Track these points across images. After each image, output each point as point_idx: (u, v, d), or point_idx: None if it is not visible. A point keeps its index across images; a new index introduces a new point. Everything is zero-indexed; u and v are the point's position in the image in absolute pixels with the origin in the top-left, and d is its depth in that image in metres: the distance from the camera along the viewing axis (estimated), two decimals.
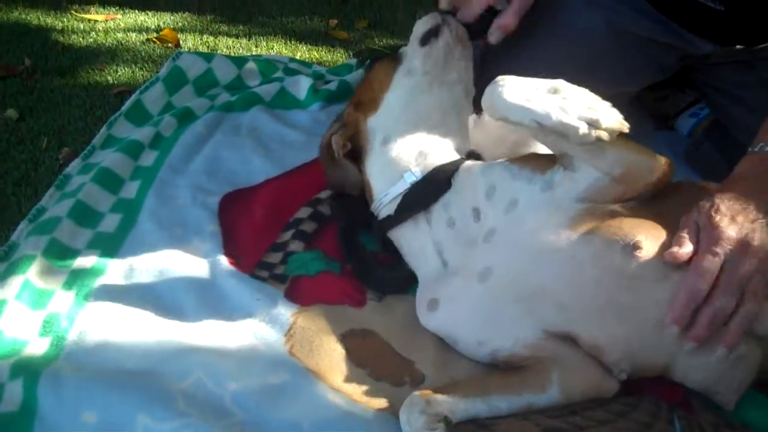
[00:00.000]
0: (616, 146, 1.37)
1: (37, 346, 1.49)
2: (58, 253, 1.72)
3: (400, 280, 1.66)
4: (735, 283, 1.30)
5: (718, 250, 1.31)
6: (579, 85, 1.94)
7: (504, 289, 1.43)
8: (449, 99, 1.70)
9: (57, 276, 1.67)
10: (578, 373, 1.41)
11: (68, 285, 1.64)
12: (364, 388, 1.46)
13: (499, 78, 1.44)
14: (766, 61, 1.93)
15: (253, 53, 3.00)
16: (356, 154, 1.73)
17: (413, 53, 1.72)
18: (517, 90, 1.40)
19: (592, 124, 1.34)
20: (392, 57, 1.76)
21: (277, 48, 3.13)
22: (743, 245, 1.31)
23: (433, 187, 1.57)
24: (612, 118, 1.35)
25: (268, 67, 2.64)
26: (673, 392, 1.43)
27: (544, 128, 1.37)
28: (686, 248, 1.32)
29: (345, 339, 1.55)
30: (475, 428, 1.34)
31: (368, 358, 1.53)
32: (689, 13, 1.89)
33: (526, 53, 1.87)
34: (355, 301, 1.65)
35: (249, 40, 3.20)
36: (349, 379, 1.47)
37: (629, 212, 1.40)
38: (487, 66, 1.94)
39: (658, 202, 1.44)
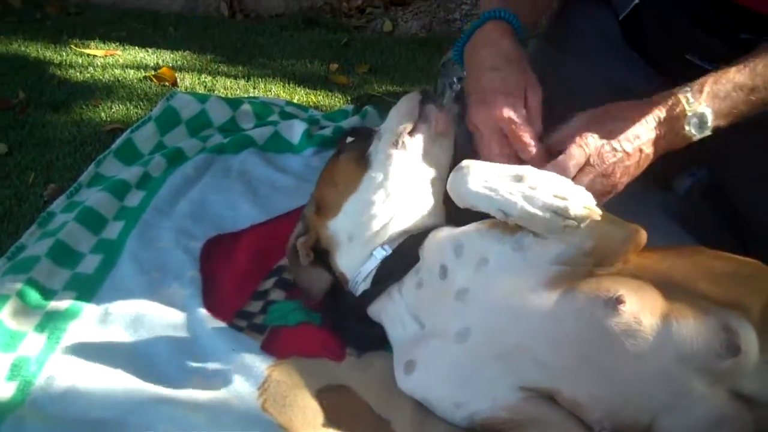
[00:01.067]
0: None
1: (3, 391, 1.45)
2: (34, 293, 1.68)
3: (377, 338, 1.62)
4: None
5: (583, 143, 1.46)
6: None
7: (482, 348, 1.40)
8: (422, 188, 1.66)
9: (30, 317, 1.63)
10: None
11: (41, 327, 1.60)
12: None
13: (463, 163, 1.43)
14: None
15: (251, 95, 3.00)
16: (322, 253, 1.70)
17: (385, 157, 1.65)
18: (481, 178, 1.40)
19: (560, 213, 1.33)
20: (361, 150, 1.70)
21: (275, 90, 3.12)
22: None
23: (404, 258, 1.57)
24: (580, 206, 1.34)
25: (263, 109, 2.63)
26: None
27: (510, 217, 1.37)
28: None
29: (321, 395, 1.51)
30: None
31: (343, 416, 1.48)
32: (685, 72, 1.87)
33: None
34: (334, 354, 1.61)
35: (247, 82, 3.20)
36: None
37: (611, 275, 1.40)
38: None
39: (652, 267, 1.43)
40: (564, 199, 1.34)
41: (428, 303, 1.51)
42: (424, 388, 1.49)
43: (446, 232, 1.54)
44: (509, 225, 1.42)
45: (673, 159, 2.41)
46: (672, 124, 1.55)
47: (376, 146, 1.67)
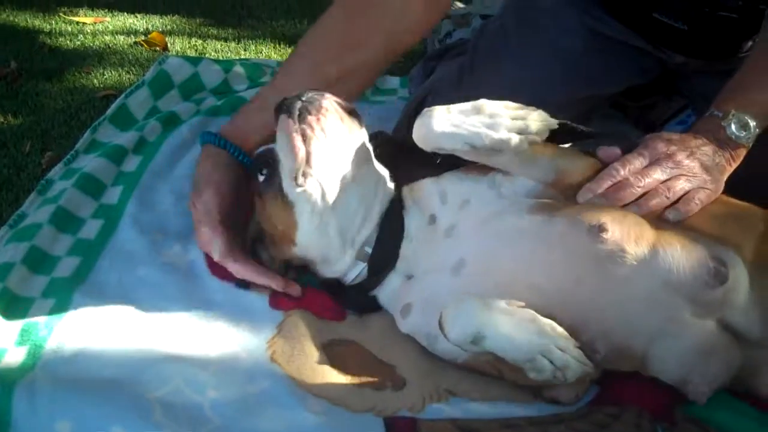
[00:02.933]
0: (545, 154, 1.44)
1: (13, 355, 1.46)
2: (38, 260, 1.70)
3: (375, 301, 1.63)
4: (650, 173, 1.41)
5: (644, 152, 1.43)
6: (561, 87, 1.97)
7: (478, 277, 1.44)
8: (357, 185, 1.56)
9: (36, 283, 1.64)
10: None
11: (47, 293, 1.62)
12: (345, 393, 1.46)
13: (425, 111, 1.44)
14: None
15: (242, 57, 3.00)
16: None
17: (300, 194, 1.52)
18: (444, 118, 1.41)
19: (522, 132, 1.38)
20: (277, 186, 1.55)
21: (267, 52, 3.12)
22: (669, 155, 1.43)
23: (391, 242, 1.57)
24: (538, 121, 1.40)
25: (255, 71, 2.63)
26: (656, 402, 1.43)
27: (478, 149, 1.39)
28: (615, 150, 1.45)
29: (326, 348, 1.54)
30: (454, 428, 1.36)
31: (349, 364, 1.52)
32: (654, 29, 1.90)
33: (507, 64, 1.87)
34: (335, 314, 1.64)
35: (238, 44, 3.19)
36: (329, 385, 1.46)
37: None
38: (469, 82, 1.94)
39: None
40: (522, 119, 1.39)
41: (420, 253, 1.54)
42: (424, 324, 1.50)
43: (428, 181, 1.59)
44: (482, 168, 1.49)
45: (664, 107, 2.45)
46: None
47: (287, 184, 1.53)
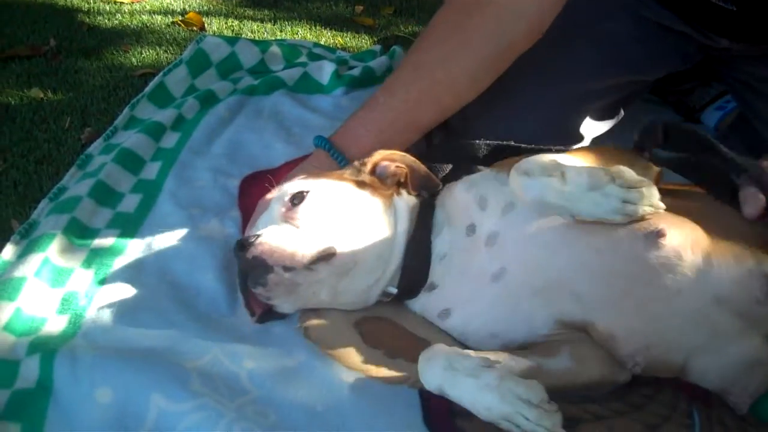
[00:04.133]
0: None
1: (55, 324, 1.49)
2: (78, 231, 1.72)
3: None
4: None
5: None
6: (603, 73, 1.95)
7: (519, 285, 1.42)
8: (378, 249, 1.51)
9: (76, 254, 1.67)
10: (590, 348, 1.39)
11: (87, 263, 1.64)
12: (380, 365, 1.46)
13: (522, 164, 1.38)
14: None
15: (278, 38, 3.00)
16: None
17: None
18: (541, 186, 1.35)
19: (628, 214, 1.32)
20: None
21: (302, 33, 3.13)
22: None
23: (417, 271, 1.53)
24: (648, 205, 1.31)
25: (291, 51, 2.64)
26: (692, 384, 1.42)
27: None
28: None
29: (358, 325, 1.55)
30: None
31: (383, 339, 1.52)
32: (700, 11, 1.87)
33: (548, 50, 1.85)
34: None
35: (274, 25, 3.21)
36: (364, 359, 1.47)
37: None
38: (507, 71, 1.92)
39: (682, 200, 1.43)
40: (633, 202, 1.32)
41: (455, 264, 1.50)
42: (461, 326, 1.51)
43: (461, 187, 1.55)
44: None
45: (703, 93, 2.44)
46: None
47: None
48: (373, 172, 1.57)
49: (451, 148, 1.74)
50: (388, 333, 1.55)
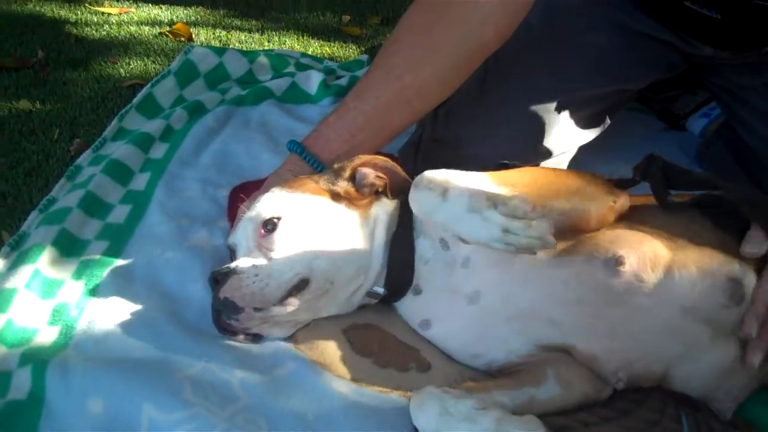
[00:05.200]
0: (556, 208, 1.35)
1: (46, 335, 1.50)
2: (68, 243, 1.73)
3: None
4: None
5: None
6: (588, 83, 1.97)
7: (494, 310, 1.42)
8: (358, 257, 1.51)
9: (66, 266, 1.67)
10: (573, 369, 1.40)
11: (78, 275, 1.65)
12: (370, 375, 1.47)
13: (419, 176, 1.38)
14: None
15: (266, 48, 3.02)
16: None
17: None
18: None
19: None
20: None
21: (290, 43, 3.14)
22: None
23: (402, 272, 1.52)
24: (534, 239, 1.27)
25: (279, 62, 2.65)
26: None
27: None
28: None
29: (347, 332, 1.56)
30: None
31: (372, 347, 1.53)
32: (685, 19, 1.89)
33: (533, 62, 1.86)
34: None
35: (261, 35, 3.22)
36: (354, 368, 1.48)
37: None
38: (494, 82, 1.94)
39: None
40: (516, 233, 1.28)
41: (437, 273, 1.49)
42: (441, 340, 1.52)
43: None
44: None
45: (688, 100, 2.46)
46: None
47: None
48: (351, 178, 1.56)
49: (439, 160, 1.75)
50: (377, 341, 1.55)
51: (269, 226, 1.46)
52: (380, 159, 1.58)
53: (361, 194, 1.54)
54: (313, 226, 1.48)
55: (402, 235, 1.52)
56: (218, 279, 1.43)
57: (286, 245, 1.45)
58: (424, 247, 1.51)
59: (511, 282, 1.40)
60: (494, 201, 1.27)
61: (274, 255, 1.44)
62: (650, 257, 1.33)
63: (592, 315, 1.36)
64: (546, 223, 1.26)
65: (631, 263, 1.32)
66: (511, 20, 1.72)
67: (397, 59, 1.72)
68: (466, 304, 1.45)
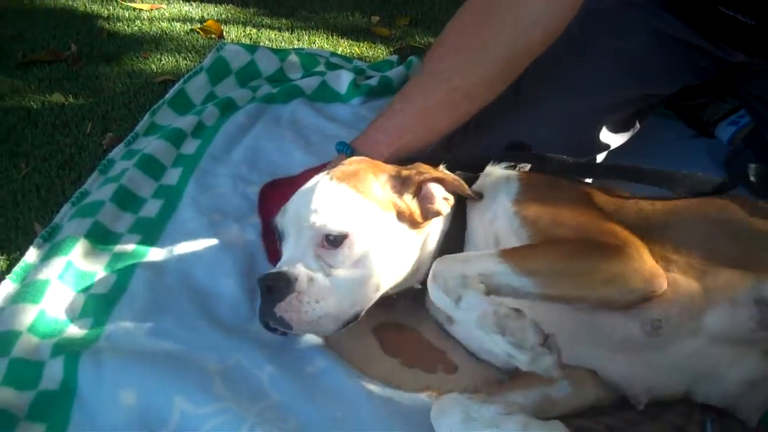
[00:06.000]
0: None
1: (78, 327, 1.52)
2: (101, 235, 1.75)
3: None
4: None
5: None
6: (619, 87, 1.96)
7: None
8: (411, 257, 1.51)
9: (99, 258, 1.70)
10: (586, 372, 1.41)
11: (110, 267, 1.67)
12: (398, 374, 1.49)
13: (436, 265, 1.33)
14: None
15: (295, 47, 3.02)
16: None
17: None
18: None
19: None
20: None
21: (319, 42, 3.15)
22: None
23: None
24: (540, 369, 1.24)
25: (310, 60, 2.66)
26: None
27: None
28: None
29: (377, 331, 1.58)
30: None
31: (401, 348, 1.56)
32: (719, 25, 1.89)
33: (567, 65, 1.86)
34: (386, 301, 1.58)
35: (291, 34, 3.23)
36: (382, 368, 1.50)
37: None
38: (530, 85, 1.93)
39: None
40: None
41: None
42: (463, 336, 1.54)
43: (483, 224, 1.50)
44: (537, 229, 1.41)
45: (717, 108, 2.45)
46: None
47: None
48: (417, 191, 1.51)
49: (471, 159, 1.75)
50: (406, 341, 1.58)
51: (332, 238, 1.42)
52: (449, 177, 1.53)
53: (424, 217, 1.50)
54: (380, 251, 1.44)
55: (454, 234, 1.54)
56: (273, 288, 1.39)
57: (350, 269, 1.41)
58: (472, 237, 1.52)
59: (542, 314, 1.32)
60: (503, 327, 1.23)
61: (335, 274, 1.40)
62: (686, 307, 1.34)
63: (618, 352, 1.37)
64: (552, 359, 1.21)
65: (670, 324, 1.33)
66: (558, 22, 1.74)
67: (446, 63, 1.74)
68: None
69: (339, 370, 1.46)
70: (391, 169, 1.54)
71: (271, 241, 1.70)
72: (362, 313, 1.44)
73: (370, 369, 1.49)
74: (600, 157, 2.10)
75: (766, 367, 1.37)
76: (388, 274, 1.46)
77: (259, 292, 1.42)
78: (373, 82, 2.53)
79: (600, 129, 2.03)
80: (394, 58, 2.80)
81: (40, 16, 3.14)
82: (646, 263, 1.34)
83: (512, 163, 1.62)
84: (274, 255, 1.69)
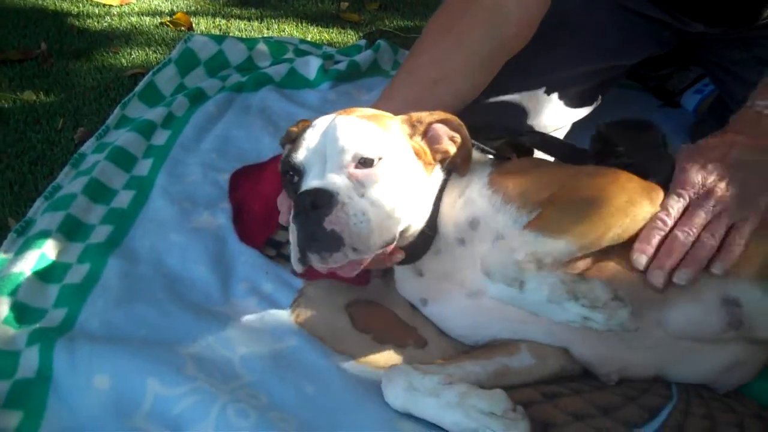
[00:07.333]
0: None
1: (53, 317, 1.54)
2: (73, 228, 1.77)
3: None
4: (693, 221, 1.37)
5: (683, 192, 1.39)
6: (581, 61, 1.99)
7: (492, 310, 1.44)
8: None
9: (72, 250, 1.72)
10: (549, 346, 1.45)
11: (83, 258, 1.69)
12: (369, 350, 1.52)
13: (486, 259, 1.35)
14: (761, 39, 1.96)
15: (265, 36, 3.04)
16: None
17: None
18: None
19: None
20: None
21: (289, 30, 3.17)
22: (708, 190, 1.39)
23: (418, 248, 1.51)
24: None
25: (278, 48, 2.68)
26: None
27: None
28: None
29: (349, 308, 1.61)
30: None
31: (372, 324, 1.58)
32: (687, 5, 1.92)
33: (533, 42, 1.88)
34: (359, 279, 1.58)
35: (261, 23, 3.24)
36: (354, 344, 1.53)
37: None
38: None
39: None
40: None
41: (444, 263, 1.50)
42: (437, 318, 1.56)
43: (457, 210, 1.49)
44: (526, 197, 1.41)
45: (681, 77, 2.48)
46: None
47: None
48: (425, 132, 1.49)
49: None
50: (377, 317, 1.60)
51: (363, 161, 1.37)
52: (456, 120, 1.50)
53: (433, 157, 1.49)
54: (405, 181, 1.42)
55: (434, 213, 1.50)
56: (317, 204, 1.31)
57: (383, 191, 1.37)
58: (439, 238, 1.50)
59: None
60: (574, 292, 1.26)
61: (368, 195, 1.35)
62: (647, 298, 1.36)
63: (585, 333, 1.37)
64: (627, 311, 1.26)
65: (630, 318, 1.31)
66: (531, 19, 1.78)
67: (422, 59, 1.76)
68: (465, 297, 1.48)
69: (310, 348, 1.49)
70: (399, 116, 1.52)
71: (241, 222, 1.73)
72: (393, 244, 1.40)
73: (340, 345, 1.52)
74: (564, 130, 2.13)
75: (747, 353, 1.39)
76: (409, 208, 1.42)
77: (293, 223, 1.33)
78: (342, 66, 2.55)
79: (563, 102, 2.06)
80: (362, 42, 2.82)
81: (9, 16, 3.14)
82: (639, 182, 1.41)
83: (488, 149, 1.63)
84: (245, 237, 1.74)
